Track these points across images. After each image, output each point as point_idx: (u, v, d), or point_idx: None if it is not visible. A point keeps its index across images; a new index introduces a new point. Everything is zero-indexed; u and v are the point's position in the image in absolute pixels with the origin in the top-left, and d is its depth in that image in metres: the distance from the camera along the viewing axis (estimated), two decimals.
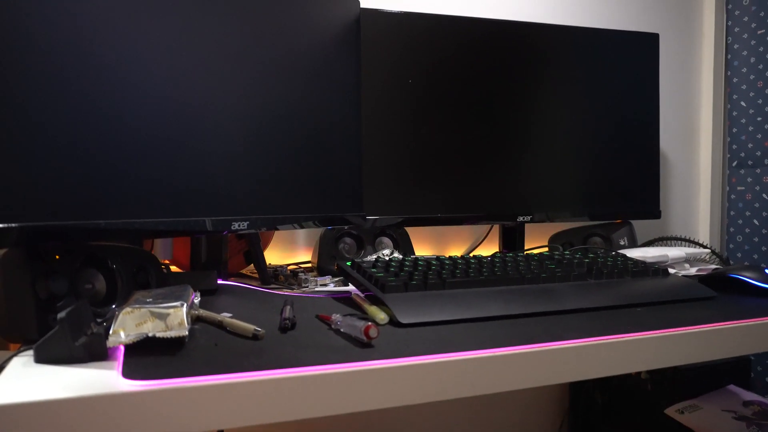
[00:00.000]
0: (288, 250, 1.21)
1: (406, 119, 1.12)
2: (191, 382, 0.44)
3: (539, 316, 0.71)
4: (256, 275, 0.98)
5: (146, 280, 0.69)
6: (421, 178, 1.13)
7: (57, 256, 0.58)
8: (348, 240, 1.10)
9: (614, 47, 1.27)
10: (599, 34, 1.26)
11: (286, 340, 0.57)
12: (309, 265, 1.14)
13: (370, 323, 0.56)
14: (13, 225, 0.52)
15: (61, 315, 0.49)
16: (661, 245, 1.31)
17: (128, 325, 0.50)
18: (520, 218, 1.19)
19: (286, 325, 0.61)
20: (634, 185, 1.29)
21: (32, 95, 0.57)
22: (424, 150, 1.13)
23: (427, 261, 0.84)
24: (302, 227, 0.91)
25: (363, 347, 0.55)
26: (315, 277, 0.97)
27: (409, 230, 1.17)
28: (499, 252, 1.26)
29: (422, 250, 1.32)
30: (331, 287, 0.92)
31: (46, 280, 0.56)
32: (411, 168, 1.12)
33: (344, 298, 0.80)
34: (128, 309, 0.51)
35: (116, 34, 0.64)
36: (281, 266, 1.02)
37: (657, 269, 0.91)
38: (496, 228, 1.33)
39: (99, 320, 0.55)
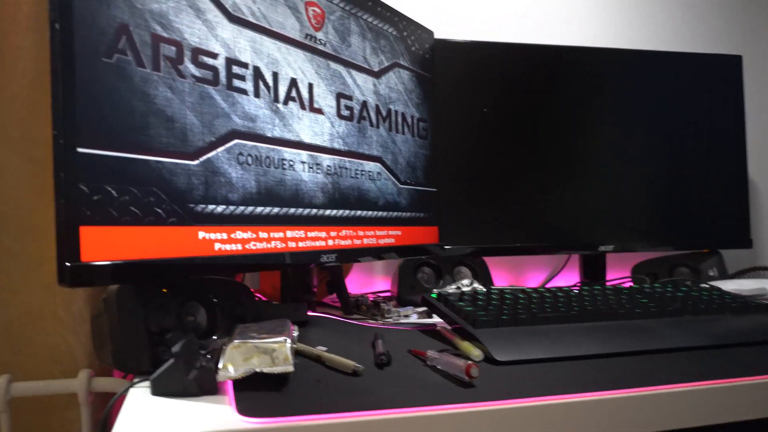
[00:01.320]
0: (366, 279, 1.22)
1: (482, 148, 1.11)
2: (305, 421, 0.44)
3: (637, 355, 0.67)
4: (338, 304, 0.98)
5: (242, 313, 0.70)
6: (498, 206, 1.11)
7: (164, 290, 0.60)
8: (426, 270, 1.09)
9: (695, 70, 1.23)
10: (679, 57, 1.22)
11: (384, 376, 0.57)
12: (387, 294, 1.14)
13: (471, 362, 0.54)
14: (120, 261, 0.54)
15: (175, 349, 0.50)
16: (755, 276, 1.23)
17: (236, 360, 0.51)
18: (602, 247, 1.15)
19: (382, 361, 0.60)
20: (722, 213, 1.23)
21: None
22: (501, 178, 1.12)
23: (515, 294, 0.82)
24: (383, 258, 0.91)
25: (464, 387, 0.54)
26: (396, 307, 0.97)
27: (487, 260, 1.15)
28: (585, 284, 1.22)
29: (499, 280, 1.29)
30: (414, 318, 0.91)
31: (157, 314, 0.58)
32: (488, 197, 1.11)
33: (430, 331, 0.79)
34: (236, 344, 0.52)
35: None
36: (362, 296, 1.02)
37: (758, 305, 0.85)
38: (574, 257, 1.29)
39: (203, 352, 0.56)
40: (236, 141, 0.66)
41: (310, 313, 0.81)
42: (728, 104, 1.25)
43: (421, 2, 1.28)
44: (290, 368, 0.51)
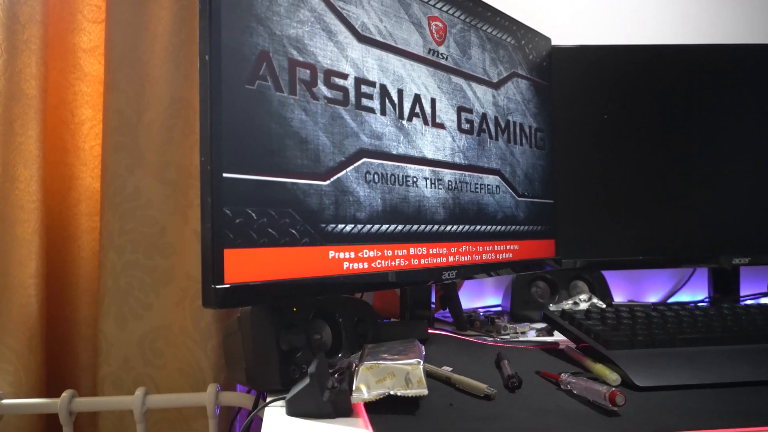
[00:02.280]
0: (476, 293, 1.20)
1: (600, 157, 1.06)
2: None
3: None
4: (450, 319, 0.97)
5: (365, 330, 0.71)
6: (615, 217, 1.06)
7: (294, 309, 0.61)
8: (541, 284, 1.06)
9: None
10: None
11: (516, 401, 0.55)
12: (499, 309, 1.11)
13: (614, 389, 0.51)
14: (259, 282, 0.56)
15: (311, 369, 0.52)
16: None
17: (370, 382, 0.51)
18: (736, 260, 1.06)
19: (513, 384, 0.58)
20: None
21: None
22: (619, 188, 1.06)
23: (646, 312, 0.78)
24: (499, 274, 0.89)
25: (608, 415, 0.51)
26: (511, 323, 0.94)
27: (606, 273, 1.09)
28: (714, 300, 1.13)
29: (617, 294, 1.23)
30: (531, 335, 0.89)
31: (288, 333, 0.59)
32: (606, 207, 1.06)
33: (555, 350, 0.76)
34: (368, 365, 0.52)
35: None
36: (474, 311, 1.01)
37: None
38: (698, 271, 1.21)
39: (330, 371, 0.57)
40: (364, 159, 0.67)
41: (429, 331, 0.81)
42: None
43: (535, 8, 1.25)
44: (424, 391, 0.51)
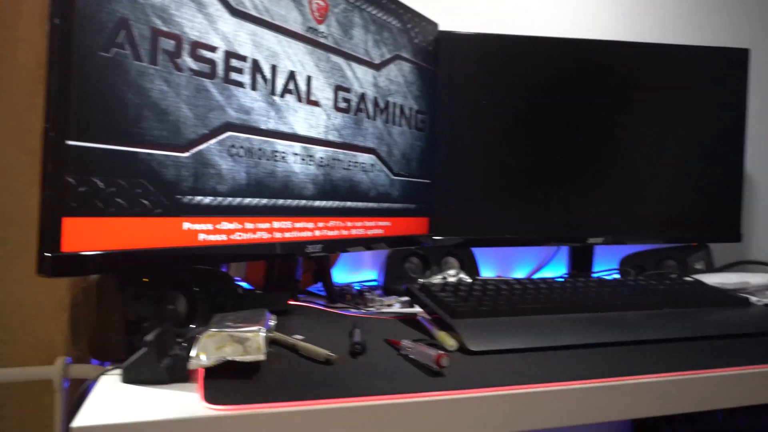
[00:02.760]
0: (355, 269, 1.24)
1: (481, 140, 1.13)
2: (268, 409, 0.47)
3: (613, 347, 0.70)
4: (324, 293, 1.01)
5: (223, 302, 0.73)
6: (489, 198, 1.13)
7: (145, 279, 0.62)
8: (414, 260, 1.12)
9: (701, 64, 1.22)
10: (684, 51, 1.22)
11: (357, 365, 0.59)
12: (375, 283, 1.16)
13: (441, 352, 0.57)
14: (99, 252, 0.56)
15: (149, 337, 0.53)
16: (741, 270, 1.25)
17: (209, 349, 0.54)
18: (590, 240, 1.17)
19: (356, 350, 0.63)
20: (713, 207, 1.24)
21: None
22: (496, 170, 1.13)
23: (497, 285, 0.85)
24: (371, 249, 0.93)
25: (434, 376, 0.56)
26: (381, 296, 0.99)
27: (476, 250, 1.17)
28: (570, 276, 1.24)
29: (487, 270, 1.31)
30: (396, 308, 0.94)
31: (135, 304, 0.60)
32: (482, 188, 1.13)
33: (410, 321, 0.82)
34: (210, 333, 0.55)
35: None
36: (348, 285, 1.05)
37: (738, 299, 0.87)
38: (564, 250, 1.31)
39: (180, 340, 0.58)
40: (229, 133, 0.69)
41: (292, 303, 0.84)
42: (732, 98, 1.24)
43: None
44: (262, 357, 0.53)
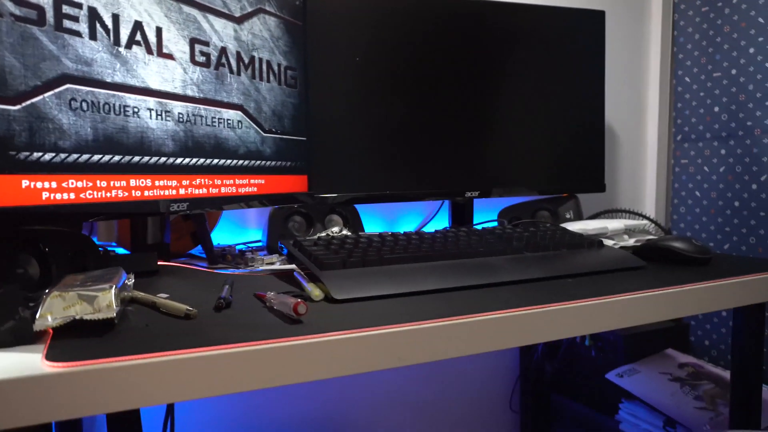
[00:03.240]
0: (241, 229, 1.22)
1: (356, 97, 1.13)
2: (113, 362, 0.45)
3: (473, 289, 0.73)
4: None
5: (83, 264, 0.69)
6: (370, 155, 1.14)
7: None
8: (297, 218, 1.11)
9: (561, 24, 1.29)
10: (545, 11, 1.28)
11: (219, 319, 0.59)
12: (260, 244, 1.15)
13: (299, 300, 0.57)
14: None
15: None
16: (606, 218, 1.35)
17: (56, 309, 0.51)
18: (468, 194, 1.21)
19: (220, 305, 0.62)
20: (580, 160, 1.32)
21: None
22: (374, 127, 1.14)
23: (369, 238, 0.86)
24: (249, 206, 0.91)
25: (292, 323, 0.57)
26: (263, 256, 0.98)
27: (363, 207, 1.18)
28: (448, 228, 1.28)
29: (373, 226, 1.34)
30: (276, 266, 0.93)
31: None
32: (360, 145, 1.13)
33: (286, 276, 0.82)
34: (56, 293, 0.52)
35: None
36: (230, 246, 1.03)
37: (592, 241, 0.94)
38: (446, 204, 1.36)
39: (30, 305, 0.55)
40: (68, 86, 0.64)
41: (164, 263, 0.81)
42: (591, 57, 1.33)
43: None
44: (112, 314, 0.51)
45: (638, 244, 1.07)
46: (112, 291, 0.53)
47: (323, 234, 1.06)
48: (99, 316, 0.51)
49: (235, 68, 0.88)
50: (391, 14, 1.14)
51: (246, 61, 0.90)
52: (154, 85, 0.75)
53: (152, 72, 0.75)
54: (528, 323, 0.64)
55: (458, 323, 0.59)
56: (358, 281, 0.71)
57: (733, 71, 1.46)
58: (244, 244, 1.14)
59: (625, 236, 1.15)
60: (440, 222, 1.38)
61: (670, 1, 1.63)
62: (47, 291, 0.60)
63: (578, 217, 1.33)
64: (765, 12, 1.39)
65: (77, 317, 0.51)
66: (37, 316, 0.51)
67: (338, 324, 0.57)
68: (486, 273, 0.78)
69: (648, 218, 1.35)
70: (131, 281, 0.63)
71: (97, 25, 0.68)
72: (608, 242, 1.08)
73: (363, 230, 1.16)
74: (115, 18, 0.70)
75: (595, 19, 1.33)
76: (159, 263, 0.81)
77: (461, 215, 1.28)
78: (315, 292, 0.67)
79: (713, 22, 1.51)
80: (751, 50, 1.42)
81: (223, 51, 0.86)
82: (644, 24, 1.66)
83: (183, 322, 0.57)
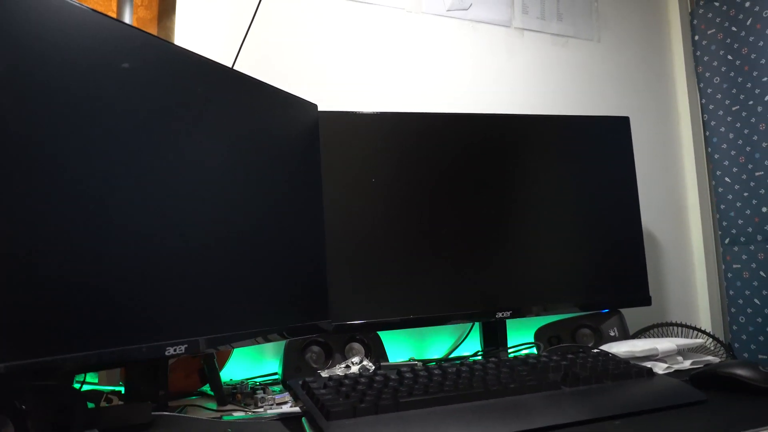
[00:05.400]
0: (255, 362, 1.15)
1: (372, 219, 1.09)
2: None
3: None
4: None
5: (68, 422, 0.63)
6: (387, 278, 1.08)
7: None
8: (315, 349, 1.04)
9: (587, 133, 1.25)
10: (569, 121, 1.25)
11: None
12: (277, 376, 1.07)
13: None
14: None
15: None
16: (655, 333, 1.23)
17: None
18: (500, 314, 1.13)
19: None
20: (619, 272, 1.23)
21: None
22: (393, 249, 1.09)
23: (386, 376, 0.78)
24: (268, 341, 0.86)
25: None
26: (275, 394, 0.91)
27: (387, 333, 1.11)
28: (483, 353, 1.19)
29: (400, 352, 1.25)
30: (287, 407, 0.85)
31: None
32: (377, 268, 1.08)
33: (295, 422, 0.74)
34: None
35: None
36: (242, 383, 0.96)
37: (641, 370, 0.84)
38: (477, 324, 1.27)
39: None
40: None
41: (158, 413, 0.75)
42: (620, 164, 1.27)
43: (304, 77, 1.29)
44: None
45: (695, 367, 0.95)
46: None
47: (342, 365, 0.98)
48: None
49: None
50: (406, 134, 1.13)
51: None
52: None
53: None
54: None
55: None
56: None
57: None
58: (258, 378, 1.07)
59: (679, 357, 1.03)
60: (472, 343, 1.28)
61: (698, 103, 1.60)
62: None
63: (624, 334, 1.21)
64: None
65: None
66: None
67: None
68: (517, 417, 0.68)
69: (704, 332, 1.22)
70: None
71: None
72: (659, 365, 0.96)
73: (387, 359, 1.08)
74: None
75: (621, 125, 1.29)
76: (153, 413, 0.74)
77: (494, 336, 1.18)
78: None
79: (746, 120, 1.45)
80: None
81: None
82: (674, 126, 1.61)
83: None
